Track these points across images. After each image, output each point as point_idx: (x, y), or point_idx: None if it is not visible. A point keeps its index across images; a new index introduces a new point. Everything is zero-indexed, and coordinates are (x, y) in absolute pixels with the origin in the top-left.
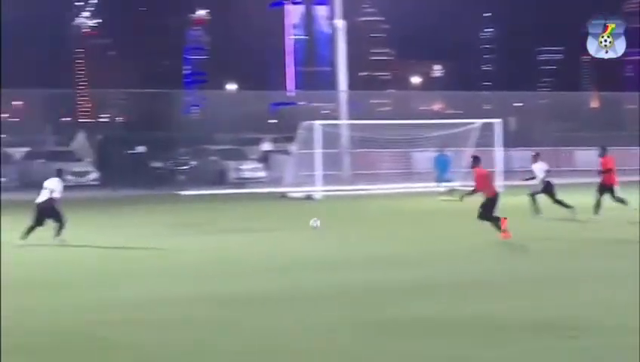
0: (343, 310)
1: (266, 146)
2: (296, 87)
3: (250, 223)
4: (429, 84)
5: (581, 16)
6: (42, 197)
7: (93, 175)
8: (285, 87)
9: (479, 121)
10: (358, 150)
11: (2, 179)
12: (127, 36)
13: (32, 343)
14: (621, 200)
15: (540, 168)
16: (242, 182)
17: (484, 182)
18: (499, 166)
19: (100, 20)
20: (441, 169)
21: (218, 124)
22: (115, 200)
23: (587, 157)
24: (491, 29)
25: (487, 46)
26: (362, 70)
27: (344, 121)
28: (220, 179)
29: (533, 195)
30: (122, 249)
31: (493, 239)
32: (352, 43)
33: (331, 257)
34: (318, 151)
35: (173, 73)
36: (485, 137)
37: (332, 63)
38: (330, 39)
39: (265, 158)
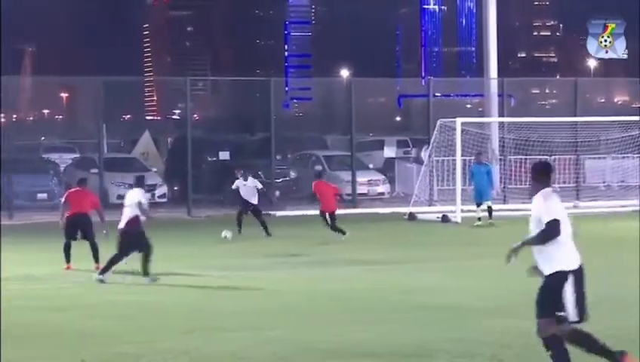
0: None
1: (390, 152)
2: (431, 74)
3: (376, 254)
4: (610, 68)
5: None
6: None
7: (162, 189)
8: (416, 73)
9: None
10: (513, 157)
11: (42, 195)
12: (209, 7)
13: None
14: None
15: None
16: (357, 200)
17: (328, 197)
18: None
19: None
20: (480, 184)
21: (326, 122)
22: (191, 222)
23: None
24: None
25: None
26: (520, 50)
27: (494, 119)
28: None
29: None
30: (224, 286)
31: None
32: (505, 14)
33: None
34: (459, 159)
35: (269, 55)
36: None
37: (479, 41)
38: (477, 10)
39: (388, 168)
